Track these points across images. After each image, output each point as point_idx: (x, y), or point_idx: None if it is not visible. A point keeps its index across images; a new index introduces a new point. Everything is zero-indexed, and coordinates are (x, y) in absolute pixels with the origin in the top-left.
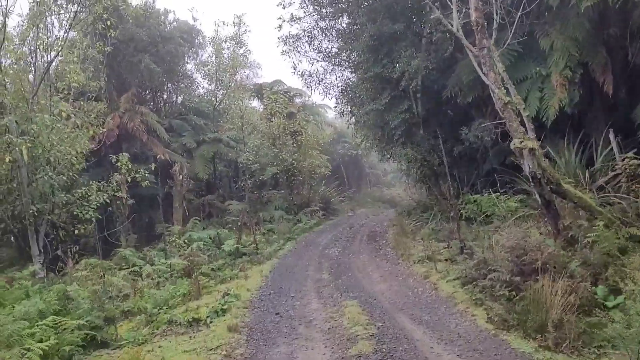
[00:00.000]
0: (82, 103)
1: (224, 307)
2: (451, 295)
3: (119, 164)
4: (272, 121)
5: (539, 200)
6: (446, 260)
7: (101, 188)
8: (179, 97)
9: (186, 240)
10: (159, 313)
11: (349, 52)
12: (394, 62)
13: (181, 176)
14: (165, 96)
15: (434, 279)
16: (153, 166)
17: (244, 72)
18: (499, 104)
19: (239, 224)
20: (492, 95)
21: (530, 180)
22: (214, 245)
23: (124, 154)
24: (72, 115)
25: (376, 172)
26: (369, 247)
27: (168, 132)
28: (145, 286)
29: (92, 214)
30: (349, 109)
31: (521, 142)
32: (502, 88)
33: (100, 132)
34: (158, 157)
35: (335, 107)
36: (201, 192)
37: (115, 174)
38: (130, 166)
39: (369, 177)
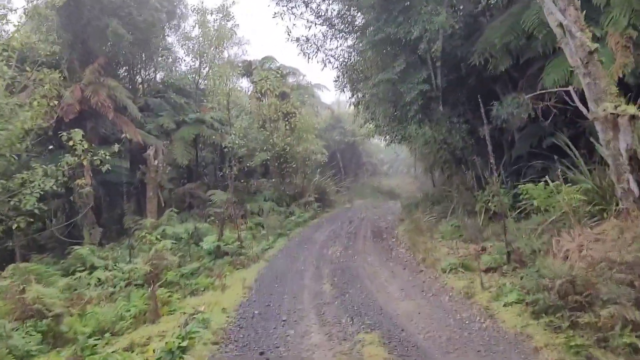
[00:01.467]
0: (27, 69)
1: (183, 343)
2: (521, 332)
3: (71, 142)
4: (262, 101)
5: (627, 190)
6: (489, 270)
7: (48, 172)
8: (158, 74)
9: (158, 237)
10: (96, 345)
11: (354, 10)
12: (411, 20)
13: (156, 161)
14: (142, 73)
15: (483, 300)
16: (116, 147)
17: (232, 48)
18: (581, 52)
19: (222, 217)
20: (568, 42)
21: (628, 161)
22: (193, 242)
23: (76, 130)
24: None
25: (373, 161)
26: (377, 246)
27: (143, 112)
28: (93, 299)
29: (33, 204)
30: (352, 84)
31: (616, 106)
32: (586, 30)
33: (53, 106)
34: (124, 137)
35: (336, 81)
36: (183, 181)
37: (67, 155)
38: (85, 146)
39: (366, 166)
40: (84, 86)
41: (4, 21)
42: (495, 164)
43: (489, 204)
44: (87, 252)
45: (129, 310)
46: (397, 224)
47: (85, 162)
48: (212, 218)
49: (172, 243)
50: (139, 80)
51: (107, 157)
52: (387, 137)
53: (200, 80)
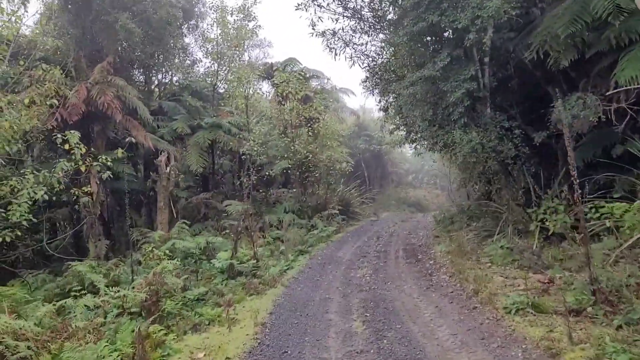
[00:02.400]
0: (20, 62)
1: None
2: None
3: (66, 146)
4: (283, 105)
5: None
6: (570, 313)
7: (41, 179)
8: (175, 77)
9: (167, 251)
10: None
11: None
12: (459, 6)
13: (168, 168)
14: (158, 75)
15: None
16: (120, 152)
17: (253, 50)
18: None
19: (237, 230)
20: None
21: None
22: (205, 258)
23: (73, 132)
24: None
25: (399, 171)
26: (412, 269)
27: (157, 116)
28: (79, 331)
29: (21, 215)
30: (382, 85)
31: None
32: None
33: (56, 106)
34: (128, 141)
35: (365, 81)
36: (199, 190)
37: (62, 160)
38: (83, 150)
39: (391, 176)
40: (90, 85)
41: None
42: (552, 176)
43: (546, 223)
44: (87, 269)
45: (112, 355)
46: (432, 242)
47: (83, 168)
48: (228, 231)
49: (178, 262)
50: (155, 82)
51: (111, 164)
52: (424, 143)
53: (218, 83)
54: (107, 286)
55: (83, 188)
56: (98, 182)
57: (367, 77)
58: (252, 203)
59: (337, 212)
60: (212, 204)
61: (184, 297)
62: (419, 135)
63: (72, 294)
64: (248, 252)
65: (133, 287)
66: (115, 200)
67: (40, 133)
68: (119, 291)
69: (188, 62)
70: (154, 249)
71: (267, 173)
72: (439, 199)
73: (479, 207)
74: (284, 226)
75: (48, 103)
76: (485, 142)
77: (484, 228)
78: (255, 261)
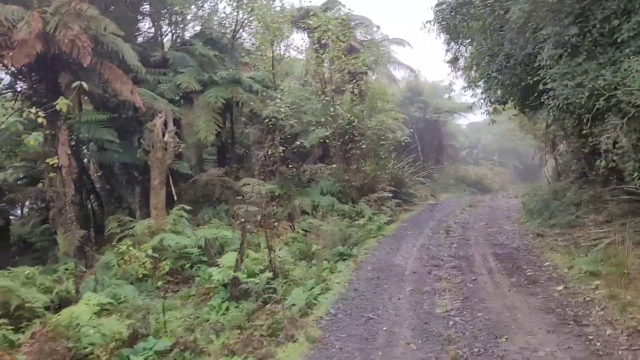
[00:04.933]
0: None
1: None
2: None
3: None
4: (321, 56)
5: None
6: None
7: None
8: (190, 25)
9: (148, 251)
10: None
11: None
12: None
13: (165, 135)
14: (169, 25)
15: None
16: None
17: None
18: None
19: (243, 224)
20: None
21: None
22: (206, 261)
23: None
24: None
25: (456, 145)
26: (530, 300)
27: (160, 69)
28: None
29: None
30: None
31: None
32: None
33: None
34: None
35: (430, 22)
36: (213, 165)
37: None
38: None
39: (447, 150)
40: (47, 15)
41: None
42: None
43: None
44: (16, 283)
45: None
46: (536, 244)
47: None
48: (241, 220)
49: (167, 265)
50: (168, 34)
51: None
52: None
53: (240, 32)
54: (46, 308)
55: (48, 160)
56: (69, 153)
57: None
58: (279, 182)
59: (390, 195)
60: (227, 184)
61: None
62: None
63: None
64: (263, 256)
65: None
66: (104, 178)
67: None
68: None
69: (207, 11)
70: (130, 247)
71: (299, 143)
72: (501, 178)
73: (581, 192)
74: (319, 213)
75: None
76: None
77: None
78: (271, 273)
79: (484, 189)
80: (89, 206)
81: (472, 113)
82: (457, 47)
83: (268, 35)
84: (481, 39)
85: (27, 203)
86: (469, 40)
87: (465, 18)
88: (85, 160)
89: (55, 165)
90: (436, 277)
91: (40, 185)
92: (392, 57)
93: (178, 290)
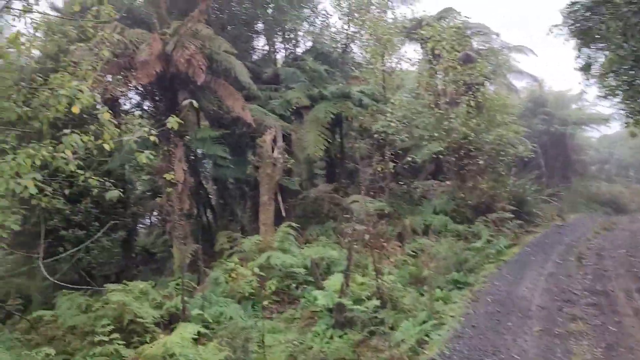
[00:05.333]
0: None
1: None
2: None
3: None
4: (434, 66)
5: None
6: None
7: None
8: (302, 40)
9: (255, 269)
10: None
11: None
12: None
13: (275, 151)
14: (283, 41)
15: None
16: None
17: (398, 8)
18: None
19: (349, 243)
20: None
21: None
22: (312, 282)
23: (104, 108)
24: None
25: (586, 159)
26: None
27: (271, 84)
28: None
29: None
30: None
31: None
32: None
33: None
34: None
35: (558, 26)
36: (324, 180)
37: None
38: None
39: (574, 166)
40: (166, 37)
41: None
42: None
43: None
44: (129, 297)
45: None
46: None
47: (108, 147)
48: (349, 239)
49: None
50: (281, 50)
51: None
52: None
53: (351, 46)
54: (156, 323)
55: (165, 175)
56: (184, 169)
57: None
58: (389, 199)
59: (511, 215)
60: (336, 200)
61: None
62: None
63: (96, 338)
64: (370, 281)
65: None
66: (218, 193)
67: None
68: None
69: (318, 26)
70: (237, 265)
71: (410, 159)
72: None
73: None
74: (431, 234)
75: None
76: None
77: None
78: (379, 301)
79: (620, 209)
80: (205, 220)
81: (606, 125)
82: (591, 52)
83: (379, 47)
84: (621, 41)
85: (154, 213)
86: (606, 44)
87: (603, 19)
88: (202, 175)
89: (171, 180)
90: (569, 315)
91: (158, 199)
92: (513, 65)
93: (283, 312)
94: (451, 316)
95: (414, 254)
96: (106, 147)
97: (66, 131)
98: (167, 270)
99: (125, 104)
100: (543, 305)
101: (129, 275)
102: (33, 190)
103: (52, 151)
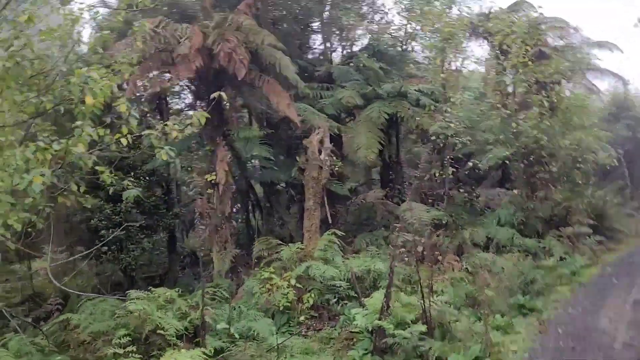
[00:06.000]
0: None
1: None
2: None
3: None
4: (502, 63)
5: None
6: None
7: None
8: (361, 39)
9: (291, 281)
10: None
11: None
12: None
13: (322, 153)
14: (338, 38)
15: None
16: (199, 118)
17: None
18: None
19: (392, 258)
20: None
21: None
22: (355, 297)
23: (122, 100)
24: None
25: None
26: None
27: (323, 83)
28: None
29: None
30: None
31: None
32: None
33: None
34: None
35: None
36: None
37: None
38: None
39: None
40: (208, 30)
41: None
42: None
43: None
44: (152, 306)
45: None
46: None
47: (125, 141)
48: (402, 250)
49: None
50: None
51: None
52: None
53: (411, 43)
54: (178, 337)
55: (206, 176)
56: (226, 169)
57: None
58: (448, 208)
59: (589, 230)
60: (388, 207)
61: None
62: None
63: (110, 349)
64: (417, 301)
65: None
66: (265, 196)
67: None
68: None
69: (377, 24)
70: (273, 274)
71: (473, 164)
72: None
73: None
74: (493, 247)
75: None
76: None
77: None
78: (425, 326)
79: None
80: (254, 223)
81: None
82: None
83: (440, 42)
84: None
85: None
86: None
87: None
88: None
89: (212, 181)
90: None
91: (199, 201)
92: (594, 64)
93: (320, 329)
94: (512, 351)
95: (473, 270)
96: (123, 141)
97: (78, 123)
98: (206, 276)
99: (177, 103)
100: (629, 342)
101: (173, 278)
102: (38, 187)
103: (65, 145)
